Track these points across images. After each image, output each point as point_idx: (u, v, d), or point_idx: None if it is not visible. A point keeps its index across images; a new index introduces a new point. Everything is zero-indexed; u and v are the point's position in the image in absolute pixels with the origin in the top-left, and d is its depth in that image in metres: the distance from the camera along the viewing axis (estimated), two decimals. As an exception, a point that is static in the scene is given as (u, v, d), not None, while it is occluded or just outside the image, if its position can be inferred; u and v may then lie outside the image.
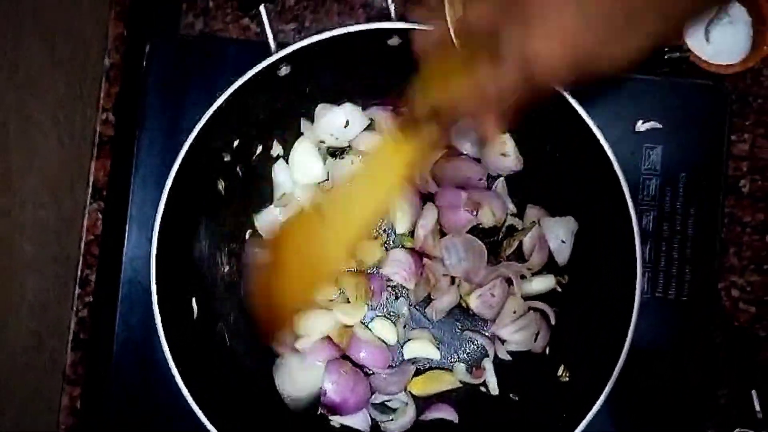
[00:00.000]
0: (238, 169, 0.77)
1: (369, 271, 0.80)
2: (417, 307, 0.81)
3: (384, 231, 0.81)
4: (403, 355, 0.80)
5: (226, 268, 0.78)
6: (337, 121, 0.76)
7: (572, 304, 0.77)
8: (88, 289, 0.78)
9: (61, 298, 0.77)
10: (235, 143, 0.75)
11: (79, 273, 0.78)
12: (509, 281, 0.78)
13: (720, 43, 0.79)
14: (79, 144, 0.77)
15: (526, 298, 0.78)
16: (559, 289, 0.79)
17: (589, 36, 0.40)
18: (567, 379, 0.74)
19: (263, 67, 0.66)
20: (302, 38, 0.66)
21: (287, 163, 0.80)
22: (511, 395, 0.78)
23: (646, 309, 0.67)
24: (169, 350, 0.66)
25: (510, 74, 0.43)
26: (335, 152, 0.81)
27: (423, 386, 0.78)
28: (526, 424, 0.74)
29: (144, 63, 0.81)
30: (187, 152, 0.67)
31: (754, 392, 0.79)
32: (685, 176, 0.79)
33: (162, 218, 0.67)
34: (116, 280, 0.79)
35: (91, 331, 0.78)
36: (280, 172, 0.80)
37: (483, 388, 0.79)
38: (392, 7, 0.69)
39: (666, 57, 0.79)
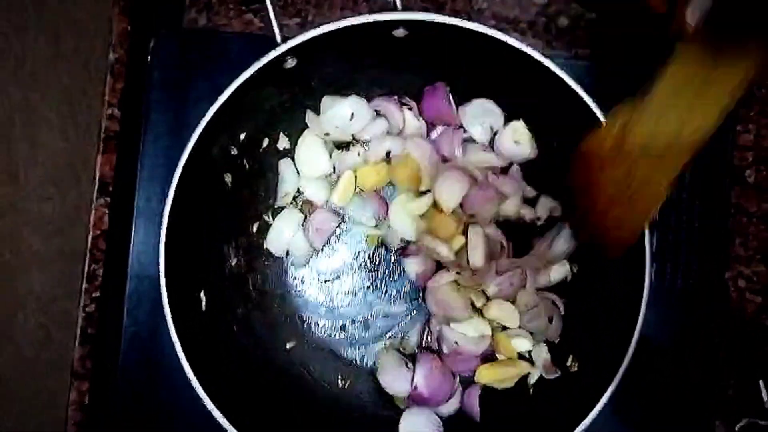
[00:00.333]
0: (244, 162, 0.77)
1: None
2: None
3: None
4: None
5: (234, 261, 0.78)
6: (343, 113, 0.76)
7: (581, 295, 0.77)
8: (95, 283, 0.78)
9: (68, 292, 0.77)
10: (242, 136, 0.75)
11: (86, 268, 0.78)
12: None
13: (725, 33, 0.78)
14: (84, 138, 0.77)
15: (539, 288, 0.78)
16: (568, 279, 0.79)
17: None
18: (576, 368, 0.74)
19: (269, 60, 0.66)
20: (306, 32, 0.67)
21: (293, 160, 0.80)
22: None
23: (653, 299, 0.67)
24: (179, 343, 0.66)
25: None
26: (341, 145, 0.81)
27: (493, 375, 0.76)
28: (535, 414, 0.75)
29: (148, 58, 0.81)
30: (193, 146, 0.67)
31: (761, 382, 0.79)
32: (691, 166, 0.79)
33: (170, 212, 0.67)
34: (123, 274, 0.79)
35: (98, 326, 0.78)
36: (286, 169, 0.80)
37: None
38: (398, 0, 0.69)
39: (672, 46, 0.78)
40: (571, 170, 0.67)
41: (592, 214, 0.65)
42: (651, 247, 0.66)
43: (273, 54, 0.66)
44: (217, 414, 0.66)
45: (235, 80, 0.66)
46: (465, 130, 0.80)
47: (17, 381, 0.70)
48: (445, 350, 0.78)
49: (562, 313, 0.77)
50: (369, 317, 0.81)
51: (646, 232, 0.66)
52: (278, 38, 0.68)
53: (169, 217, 0.67)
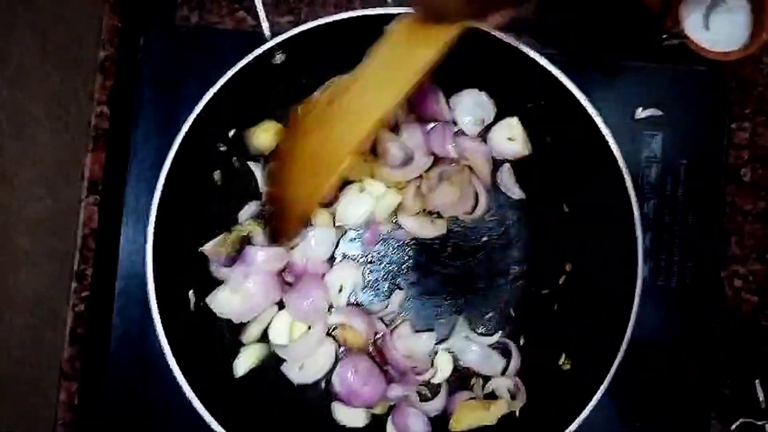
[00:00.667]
0: (233, 159, 0.77)
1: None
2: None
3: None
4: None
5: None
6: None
7: (574, 293, 0.76)
8: (84, 283, 0.78)
9: (57, 292, 0.77)
10: (231, 133, 0.75)
11: (75, 267, 0.78)
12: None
13: (719, 31, 0.78)
14: (73, 137, 0.77)
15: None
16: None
17: None
18: (568, 367, 0.73)
19: (257, 55, 0.66)
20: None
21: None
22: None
23: (647, 298, 0.67)
24: (167, 343, 0.66)
25: None
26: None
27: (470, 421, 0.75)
28: (528, 413, 0.74)
29: (139, 55, 0.81)
30: (182, 143, 0.67)
31: (757, 382, 0.79)
32: (686, 164, 0.79)
33: (158, 209, 0.66)
34: (113, 274, 0.78)
35: (88, 326, 0.78)
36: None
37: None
38: (390, -4, 0.69)
39: (665, 44, 0.78)
40: (282, 139, 0.71)
41: (285, 187, 0.68)
42: (644, 245, 0.66)
43: (261, 49, 0.66)
44: (204, 413, 0.66)
45: (223, 76, 0.66)
46: (455, 123, 0.79)
47: (6, 381, 0.69)
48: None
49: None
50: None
51: (638, 228, 0.65)
52: (267, 33, 0.68)
53: (156, 214, 0.66)
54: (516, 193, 0.79)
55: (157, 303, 0.66)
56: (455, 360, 0.79)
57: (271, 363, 0.77)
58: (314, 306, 0.75)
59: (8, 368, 0.69)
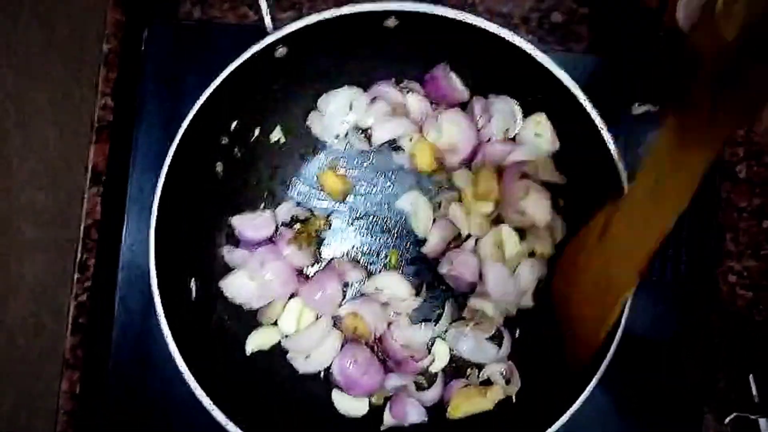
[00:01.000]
0: (236, 151, 0.77)
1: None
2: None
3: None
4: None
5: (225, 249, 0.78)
6: (341, 103, 0.77)
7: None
8: (87, 273, 0.78)
9: (60, 281, 0.77)
10: (233, 126, 0.75)
11: (78, 257, 0.78)
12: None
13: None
14: (77, 128, 0.77)
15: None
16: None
17: None
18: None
19: (260, 48, 0.66)
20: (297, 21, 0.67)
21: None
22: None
23: (642, 293, 0.67)
24: (169, 332, 0.66)
25: None
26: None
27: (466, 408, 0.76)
28: (522, 403, 0.75)
29: (142, 49, 0.81)
30: (184, 135, 0.67)
31: (751, 377, 0.79)
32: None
33: (160, 200, 0.67)
34: (115, 264, 0.79)
35: (90, 315, 0.78)
36: (315, 121, 0.80)
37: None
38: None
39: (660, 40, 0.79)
40: (556, 275, 0.70)
41: (568, 320, 0.66)
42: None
43: (263, 42, 0.66)
44: (207, 402, 0.66)
45: (225, 69, 0.66)
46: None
47: (8, 370, 0.69)
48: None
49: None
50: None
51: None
52: (269, 26, 0.69)
53: (159, 205, 0.67)
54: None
55: (159, 293, 0.67)
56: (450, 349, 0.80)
57: (277, 351, 0.78)
58: (328, 297, 0.77)
59: (10, 356, 0.70)
